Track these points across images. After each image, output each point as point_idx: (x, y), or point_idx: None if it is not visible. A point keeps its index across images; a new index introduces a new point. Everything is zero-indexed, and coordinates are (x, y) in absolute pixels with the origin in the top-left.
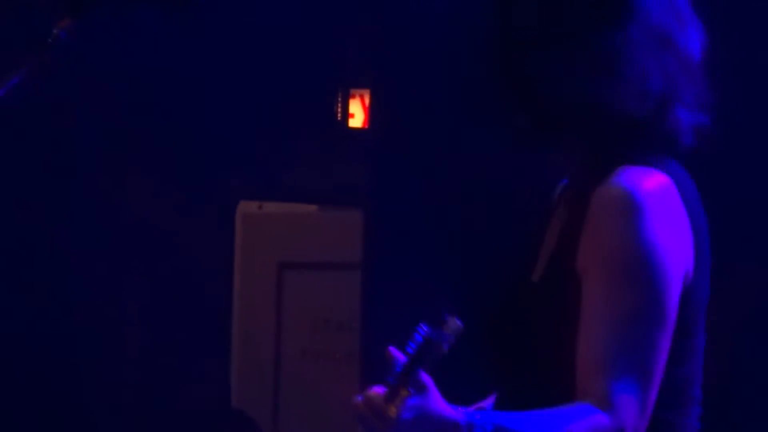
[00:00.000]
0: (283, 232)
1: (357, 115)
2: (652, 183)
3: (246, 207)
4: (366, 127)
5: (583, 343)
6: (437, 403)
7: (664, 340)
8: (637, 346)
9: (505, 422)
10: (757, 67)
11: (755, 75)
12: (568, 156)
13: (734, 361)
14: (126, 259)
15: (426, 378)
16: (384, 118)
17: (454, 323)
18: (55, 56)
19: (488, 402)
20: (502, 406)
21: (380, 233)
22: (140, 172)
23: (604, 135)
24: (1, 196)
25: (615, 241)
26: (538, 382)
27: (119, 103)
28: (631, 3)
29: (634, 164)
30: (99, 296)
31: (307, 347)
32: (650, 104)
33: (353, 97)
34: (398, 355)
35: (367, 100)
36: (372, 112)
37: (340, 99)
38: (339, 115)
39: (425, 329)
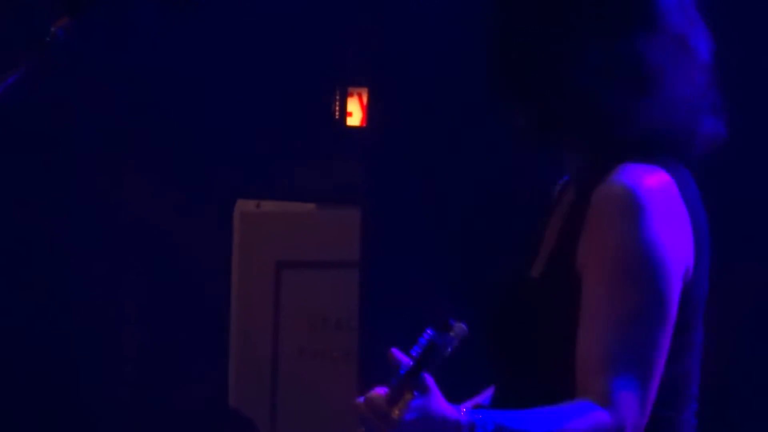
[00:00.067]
0: (281, 230)
1: (355, 114)
2: (653, 180)
3: (244, 205)
4: (364, 125)
5: (583, 341)
6: (439, 403)
7: (664, 337)
8: (637, 343)
9: (505, 421)
10: (756, 66)
11: (755, 74)
12: (569, 155)
13: (734, 361)
14: (124, 257)
15: (429, 379)
16: (382, 117)
17: (460, 328)
18: (53, 55)
19: (484, 397)
20: (500, 402)
21: (378, 232)
22: (138, 171)
23: (612, 138)
24: (0, 194)
25: (616, 239)
26: (537, 380)
27: (117, 101)
28: (652, 8)
29: (636, 161)
30: (97, 295)
31: (305, 346)
32: (678, 114)
33: (351, 95)
34: (401, 357)
35: (365, 99)
36: (370, 111)
37: (337, 97)
38: (337, 113)
39: (431, 333)
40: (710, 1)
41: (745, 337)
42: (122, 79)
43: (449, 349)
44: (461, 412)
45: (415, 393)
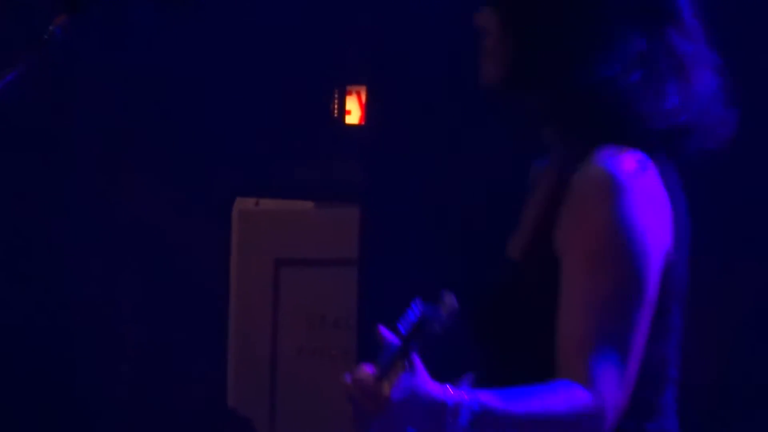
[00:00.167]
0: (279, 228)
1: (353, 112)
2: (633, 164)
3: (243, 204)
4: (362, 123)
5: (563, 322)
6: (426, 383)
7: (644, 318)
8: (617, 324)
9: (490, 401)
10: (756, 65)
11: (754, 73)
12: (555, 142)
13: (734, 359)
14: (122, 256)
15: (415, 358)
16: (380, 115)
17: (450, 300)
18: (51, 53)
19: (464, 382)
20: (482, 385)
21: (377, 230)
22: (137, 169)
23: (608, 126)
24: None
25: (595, 220)
26: (517, 361)
27: (116, 100)
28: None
29: (615, 145)
30: (95, 294)
31: (303, 345)
32: (689, 106)
33: (350, 94)
34: (388, 335)
35: (363, 97)
36: (368, 109)
37: (336, 96)
38: (335, 112)
39: (420, 306)
40: (711, 1)
41: (745, 337)
42: (121, 77)
43: (439, 324)
44: (447, 391)
45: (407, 365)
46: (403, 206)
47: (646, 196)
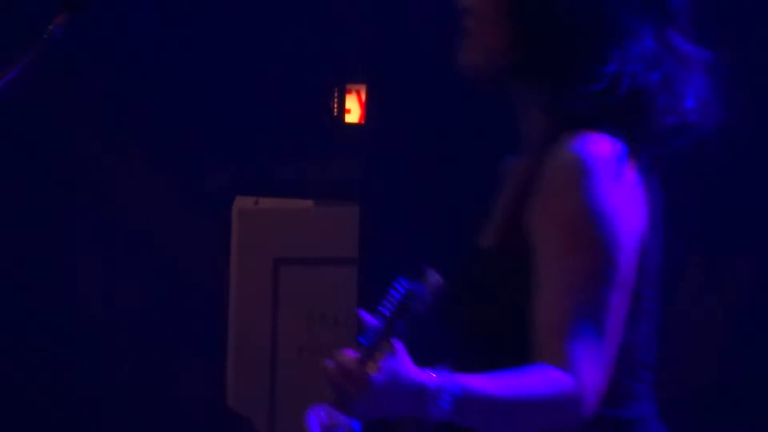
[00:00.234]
0: (279, 227)
1: (353, 111)
2: (605, 148)
3: (242, 202)
4: (362, 122)
5: (539, 307)
6: (408, 366)
7: (620, 300)
8: (593, 307)
9: (471, 385)
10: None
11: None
12: (531, 131)
13: (733, 358)
14: (120, 254)
15: (397, 342)
16: (380, 114)
17: (434, 277)
18: (50, 52)
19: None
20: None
21: (377, 229)
22: (135, 167)
23: (592, 115)
24: None
25: (569, 204)
26: (493, 350)
27: (114, 98)
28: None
29: (589, 131)
30: (92, 292)
31: (303, 343)
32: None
33: (349, 92)
34: (370, 319)
35: (363, 96)
36: (368, 108)
37: (336, 94)
38: (335, 110)
39: (405, 283)
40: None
41: (745, 336)
42: (120, 76)
43: (423, 300)
44: (429, 375)
45: (394, 342)
46: (403, 205)
47: (617, 179)
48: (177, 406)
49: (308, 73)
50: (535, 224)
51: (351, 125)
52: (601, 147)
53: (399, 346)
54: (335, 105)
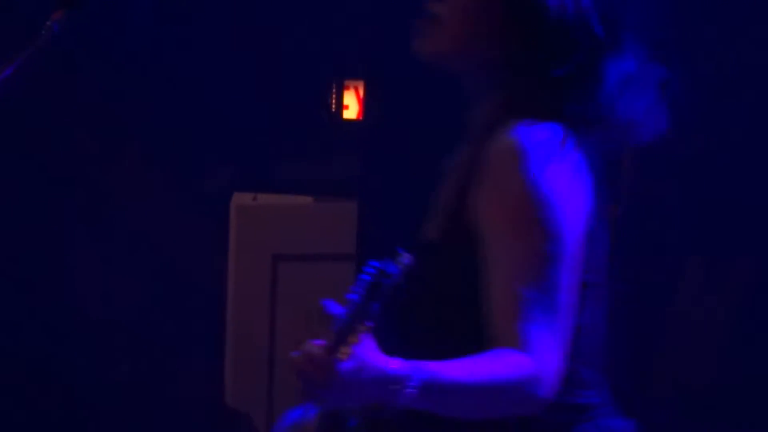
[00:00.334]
0: (277, 223)
1: (351, 107)
2: (544, 133)
3: (240, 199)
4: (360, 118)
5: (491, 292)
6: (375, 353)
7: (571, 280)
8: (546, 287)
9: (435, 372)
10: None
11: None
12: (476, 118)
13: (733, 358)
14: (118, 252)
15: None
16: (378, 110)
17: (405, 257)
18: (47, 49)
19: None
20: None
21: (375, 225)
22: (133, 164)
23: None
24: None
25: (510, 187)
26: (447, 340)
27: (112, 95)
28: None
29: (531, 119)
30: (91, 291)
31: (302, 340)
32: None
33: (347, 88)
34: (335, 308)
35: (361, 92)
36: (366, 104)
37: (334, 90)
38: (333, 106)
39: (376, 264)
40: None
41: (744, 334)
42: (118, 73)
43: (394, 279)
44: (395, 362)
45: (370, 325)
46: (401, 201)
47: (558, 163)
48: (175, 405)
49: (306, 70)
50: (480, 211)
51: (349, 121)
52: (540, 133)
53: (367, 335)
54: (333, 101)
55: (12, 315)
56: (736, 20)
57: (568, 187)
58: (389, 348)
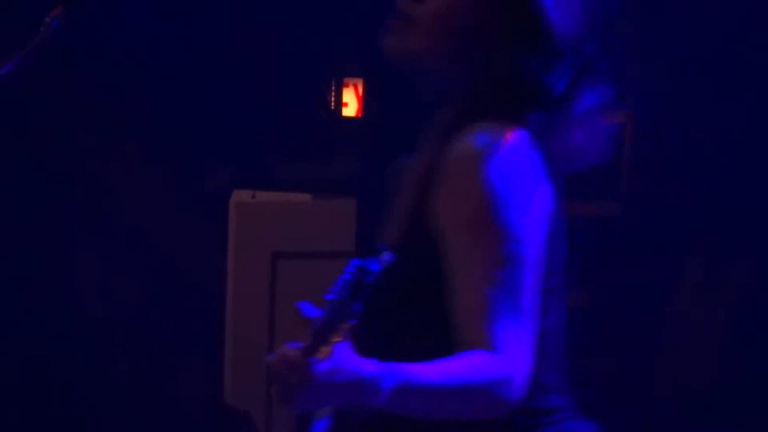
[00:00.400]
0: (276, 221)
1: (350, 104)
2: (507, 136)
3: (239, 196)
4: (359, 116)
5: (457, 295)
6: (349, 355)
7: (535, 283)
8: (510, 288)
9: (410, 373)
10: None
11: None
12: (437, 121)
13: (733, 358)
14: (117, 249)
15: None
16: (377, 108)
17: (387, 255)
18: (47, 45)
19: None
20: None
21: (374, 222)
22: (132, 162)
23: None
24: None
25: (471, 191)
26: (413, 345)
27: (112, 91)
28: None
29: (490, 122)
30: (90, 289)
31: (300, 337)
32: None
33: (347, 86)
34: (310, 310)
35: (360, 90)
36: (365, 102)
37: (333, 88)
38: (332, 104)
39: (356, 262)
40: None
41: (743, 333)
42: (117, 69)
43: (375, 277)
44: (369, 364)
45: (353, 323)
46: None
47: (517, 164)
48: (175, 403)
49: (305, 67)
50: (440, 215)
51: (348, 119)
52: (501, 137)
53: (348, 335)
54: (332, 99)
55: (11, 313)
56: (736, 20)
57: (528, 190)
58: (362, 348)
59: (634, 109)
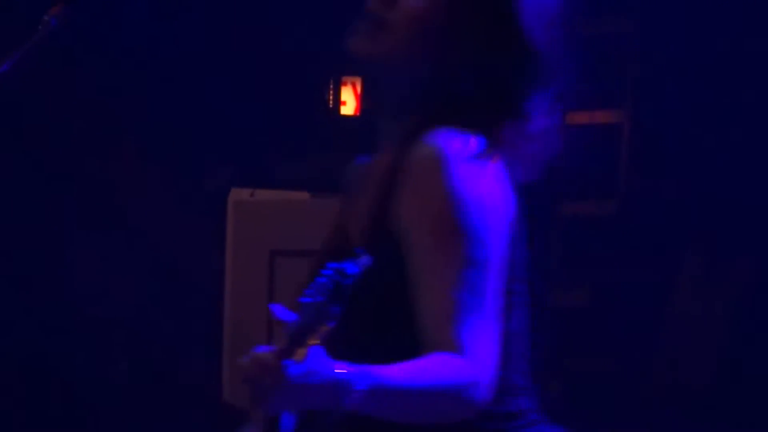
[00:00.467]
0: (275, 219)
1: (349, 103)
2: (463, 140)
3: (237, 194)
4: (358, 114)
5: (422, 299)
6: (323, 357)
7: (499, 286)
8: (474, 291)
9: (380, 377)
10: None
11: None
12: (397, 125)
13: (733, 358)
14: (116, 248)
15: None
16: (376, 106)
17: (364, 257)
18: (45, 44)
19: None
20: None
21: None
22: (131, 160)
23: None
24: None
25: (433, 195)
26: (378, 350)
27: (110, 90)
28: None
29: (455, 128)
30: (88, 287)
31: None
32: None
33: (345, 84)
34: (284, 313)
35: (358, 88)
36: (364, 100)
37: (331, 87)
38: (331, 102)
39: (334, 265)
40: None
41: (742, 332)
42: (115, 68)
43: (353, 279)
44: (341, 366)
45: (331, 325)
46: None
47: (479, 169)
48: (174, 401)
49: (304, 66)
50: (403, 219)
51: (346, 117)
52: (463, 140)
53: (321, 341)
54: (331, 97)
55: (9, 312)
56: (733, 16)
57: (490, 194)
58: (337, 350)
59: (632, 107)
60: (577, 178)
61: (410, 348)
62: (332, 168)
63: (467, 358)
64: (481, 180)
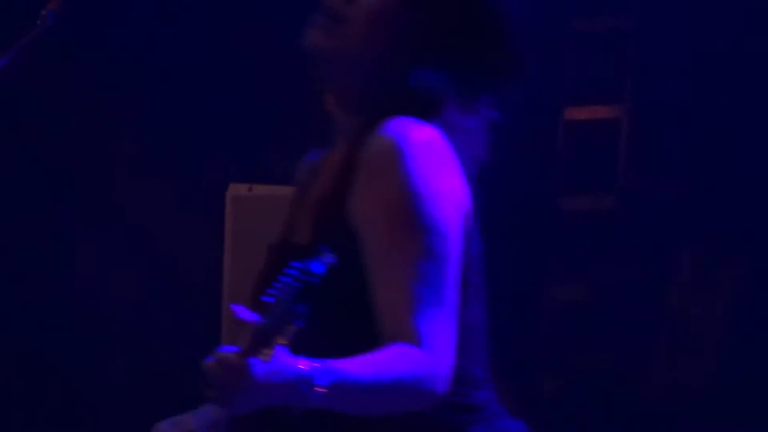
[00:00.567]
0: (273, 214)
1: None
2: (418, 129)
3: (236, 190)
4: None
5: (379, 290)
6: (285, 354)
7: (455, 278)
8: (432, 282)
9: (342, 372)
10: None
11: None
12: (345, 120)
13: (732, 358)
14: (114, 243)
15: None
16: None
17: (329, 256)
18: (43, 39)
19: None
20: None
21: None
22: (129, 156)
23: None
24: None
25: (389, 186)
26: (336, 343)
27: (108, 86)
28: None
29: (408, 120)
30: (86, 282)
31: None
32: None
33: None
34: (246, 314)
35: None
36: None
37: None
38: None
39: (298, 264)
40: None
41: (741, 332)
42: (114, 64)
43: (318, 278)
44: (303, 362)
45: (298, 325)
46: None
47: (435, 160)
48: (172, 398)
49: (302, 61)
50: (359, 211)
51: None
52: (415, 131)
53: (288, 340)
54: None
55: (8, 309)
56: (733, 13)
57: (445, 185)
58: (301, 348)
59: (630, 103)
60: (575, 173)
61: (371, 341)
62: None
63: (424, 350)
64: (437, 171)
